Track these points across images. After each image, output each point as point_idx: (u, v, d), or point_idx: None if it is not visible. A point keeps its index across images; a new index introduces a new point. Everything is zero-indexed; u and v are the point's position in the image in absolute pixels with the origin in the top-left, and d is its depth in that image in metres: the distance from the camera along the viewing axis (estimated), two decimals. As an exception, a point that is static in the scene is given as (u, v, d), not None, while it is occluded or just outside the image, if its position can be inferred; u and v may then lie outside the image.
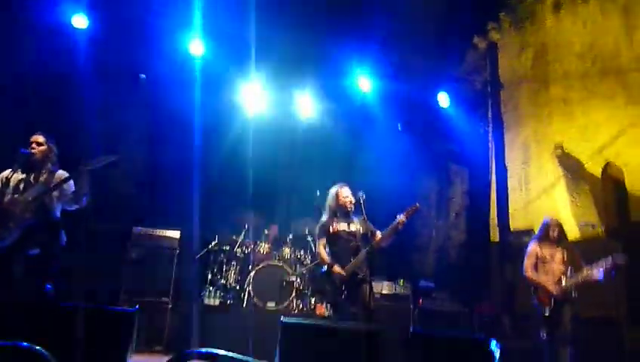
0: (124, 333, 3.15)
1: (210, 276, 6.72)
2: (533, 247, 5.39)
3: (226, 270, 6.74)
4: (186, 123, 7.35)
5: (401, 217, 4.62)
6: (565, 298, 5.06)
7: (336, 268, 4.60)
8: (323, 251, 4.79)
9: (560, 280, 5.12)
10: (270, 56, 8.12)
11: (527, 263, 5.34)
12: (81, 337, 2.92)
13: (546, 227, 5.42)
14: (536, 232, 5.64)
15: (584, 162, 8.54)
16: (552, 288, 5.09)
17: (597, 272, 4.93)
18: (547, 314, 5.09)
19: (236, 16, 7.78)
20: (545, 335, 5.11)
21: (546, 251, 5.28)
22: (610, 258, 4.90)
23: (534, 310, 5.33)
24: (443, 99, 8.57)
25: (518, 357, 5.85)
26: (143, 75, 7.71)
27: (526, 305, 7.99)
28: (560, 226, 5.46)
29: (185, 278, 6.42)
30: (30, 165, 4.09)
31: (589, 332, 5.55)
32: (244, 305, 6.41)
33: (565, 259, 5.22)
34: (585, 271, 5.00)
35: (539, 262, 5.28)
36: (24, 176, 4.07)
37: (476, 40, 9.93)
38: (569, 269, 5.15)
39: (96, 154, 4.00)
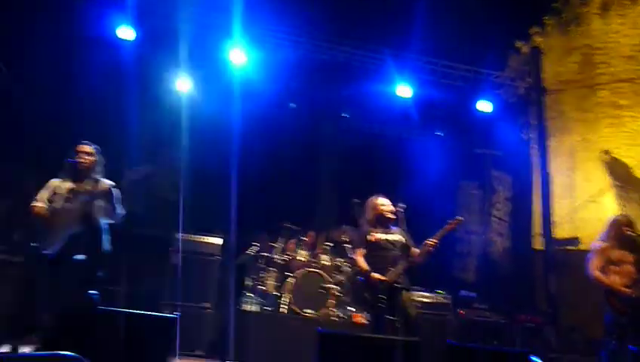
0: (165, 340, 3.22)
1: (249, 282, 6.78)
2: (602, 246, 4.81)
3: (264, 276, 6.79)
4: (226, 131, 7.47)
5: (430, 241, 4.54)
6: None
7: (376, 275, 4.57)
8: (361, 259, 4.77)
9: (637, 283, 4.57)
10: (309, 64, 8.21)
11: (595, 263, 4.74)
12: (123, 343, 3.00)
13: (616, 225, 4.85)
14: (603, 231, 4.96)
15: (633, 169, 8.24)
16: (627, 292, 4.53)
17: None
18: (622, 322, 4.50)
19: (278, 29, 7.90)
20: (615, 344, 4.50)
21: (617, 251, 4.73)
22: None
23: (600, 318, 4.75)
24: (485, 105, 8.42)
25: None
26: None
27: (571, 317, 7.79)
28: (634, 225, 4.86)
29: (225, 284, 6.50)
30: (77, 174, 4.24)
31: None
32: (283, 312, 6.43)
33: (637, 261, 4.67)
34: None
35: (607, 264, 4.71)
36: (71, 185, 4.22)
37: (519, 44, 9.72)
38: None
39: (136, 163, 4.11)
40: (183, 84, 7.86)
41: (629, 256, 4.72)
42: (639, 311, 4.52)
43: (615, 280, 4.64)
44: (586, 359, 5.74)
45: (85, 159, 4.29)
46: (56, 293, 3.85)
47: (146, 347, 3.16)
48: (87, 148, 4.35)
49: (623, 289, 4.57)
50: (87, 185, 4.22)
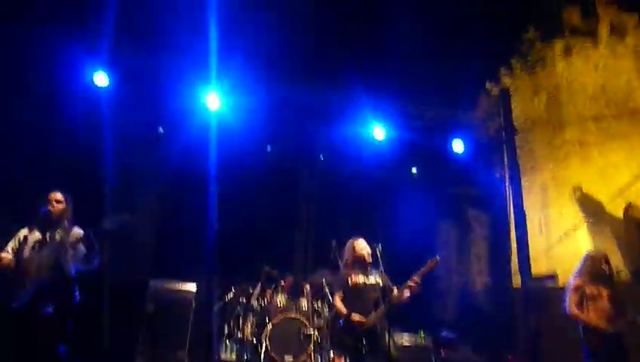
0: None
1: (226, 329, 6.63)
2: (577, 282, 4.82)
3: (242, 323, 6.64)
4: (201, 174, 7.44)
5: (412, 280, 4.51)
6: (618, 339, 4.54)
7: (356, 317, 4.50)
8: (340, 303, 4.71)
9: (612, 318, 4.58)
10: (284, 107, 8.29)
11: (572, 299, 4.74)
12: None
13: (591, 261, 4.88)
14: (578, 267, 4.98)
15: (605, 204, 8.41)
16: (606, 326, 4.53)
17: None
18: (599, 357, 4.51)
19: (252, 72, 8.00)
20: None
21: (592, 287, 4.73)
22: None
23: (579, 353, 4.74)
24: (457, 145, 8.57)
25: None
26: (161, 130, 7.89)
27: (553, 353, 7.75)
28: (608, 260, 4.91)
29: (201, 332, 6.34)
30: (47, 223, 4.14)
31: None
32: (262, 360, 6.27)
33: (612, 297, 4.71)
34: (630, 312, 4.54)
35: (583, 300, 4.72)
36: (40, 234, 4.12)
37: (489, 86, 10.02)
38: (618, 308, 4.63)
39: (111, 210, 4.05)
40: (160, 129, 7.87)
41: (603, 291, 4.76)
42: (615, 346, 4.55)
43: (591, 316, 4.66)
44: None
45: (56, 207, 4.21)
46: (24, 348, 3.69)
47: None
48: (58, 196, 4.27)
49: (599, 324, 4.59)
50: (58, 235, 4.12)
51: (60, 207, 4.23)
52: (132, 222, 3.97)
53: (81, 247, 4.08)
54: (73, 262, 4.14)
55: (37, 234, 4.12)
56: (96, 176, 6.86)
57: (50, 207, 4.19)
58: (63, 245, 4.01)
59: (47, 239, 4.08)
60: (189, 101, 7.73)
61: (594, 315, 4.66)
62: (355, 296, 4.68)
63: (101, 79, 7.15)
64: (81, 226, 4.22)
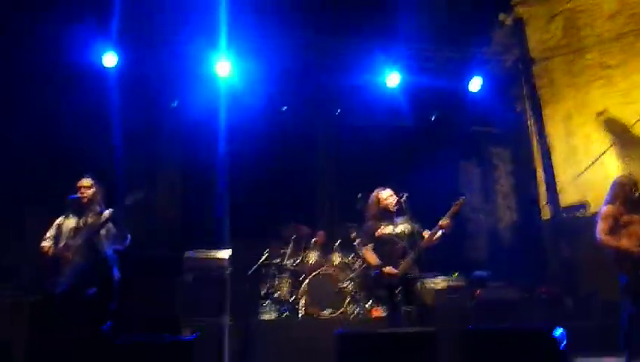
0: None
1: (263, 291, 6.80)
2: (608, 209, 4.71)
3: (278, 283, 6.80)
4: (219, 142, 7.48)
5: (442, 222, 4.53)
6: None
7: (388, 269, 4.56)
8: (370, 255, 4.77)
9: None
10: (296, 63, 8.20)
11: (603, 226, 4.63)
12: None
13: (621, 187, 4.75)
14: (607, 194, 4.86)
15: (631, 125, 8.21)
16: (638, 251, 4.43)
17: None
18: (636, 282, 4.41)
19: (264, 34, 7.89)
20: (631, 307, 4.43)
21: (624, 213, 4.63)
22: None
23: (615, 281, 4.67)
24: (474, 84, 8.39)
25: (585, 339, 5.64)
26: (175, 103, 7.93)
27: (588, 282, 7.77)
28: (638, 185, 4.76)
29: (240, 296, 6.52)
30: (79, 209, 4.26)
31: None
32: (300, 316, 6.45)
33: None
34: None
35: (615, 227, 4.60)
36: (75, 220, 4.25)
37: (502, 17, 9.68)
38: None
39: (135, 186, 4.13)
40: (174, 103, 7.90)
41: (635, 217, 4.66)
42: None
43: (623, 242, 4.59)
44: (607, 323, 5.71)
45: (86, 193, 4.32)
46: (70, 331, 3.87)
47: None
48: (86, 181, 4.38)
49: (634, 249, 4.51)
50: (90, 219, 4.24)
51: (89, 192, 4.34)
52: (152, 197, 4.05)
53: (112, 227, 4.19)
54: (107, 243, 4.27)
55: (71, 221, 4.25)
56: (115, 157, 6.94)
57: (79, 194, 4.30)
58: (96, 228, 4.13)
59: (82, 224, 4.20)
60: (199, 66, 7.68)
61: (626, 241, 4.57)
62: (384, 246, 4.74)
63: (110, 60, 7.13)
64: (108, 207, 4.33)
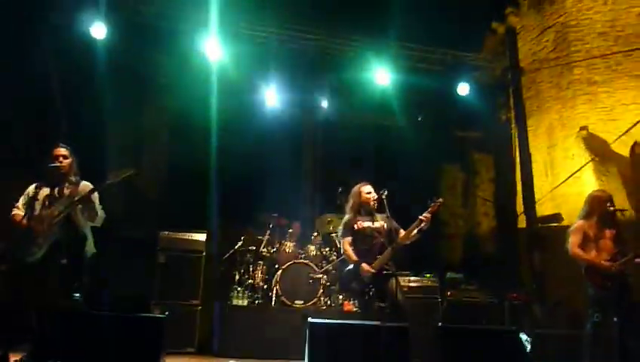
0: (154, 339, 3.20)
1: (237, 277, 6.78)
2: (580, 224, 4.81)
3: (252, 270, 6.79)
4: (205, 126, 7.42)
5: (424, 216, 4.56)
6: (621, 277, 4.59)
7: (365, 267, 4.58)
8: (349, 249, 4.78)
9: (615, 257, 4.61)
10: (286, 55, 8.16)
11: (574, 240, 4.76)
12: (113, 345, 2.98)
13: (598, 201, 4.85)
14: (582, 208, 4.96)
15: (611, 143, 8.37)
16: (606, 266, 4.58)
17: None
18: (604, 296, 4.57)
19: (251, 16, 7.82)
20: (599, 318, 4.56)
21: (596, 227, 4.75)
22: None
23: (584, 292, 4.78)
24: (463, 88, 8.45)
25: (552, 345, 5.76)
26: (162, 80, 7.82)
27: (557, 292, 7.92)
28: (612, 200, 4.88)
29: (213, 280, 6.49)
30: (55, 179, 4.16)
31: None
32: (273, 304, 6.45)
33: (616, 236, 4.72)
34: (632, 254, 4.53)
35: (587, 241, 4.73)
36: (49, 190, 4.15)
37: (495, 25, 9.79)
38: (621, 248, 4.65)
39: (118, 164, 4.06)
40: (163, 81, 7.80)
41: (607, 232, 4.78)
42: (619, 284, 4.62)
43: (594, 255, 4.71)
44: (571, 332, 5.84)
45: (65, 162, 4.22)
46: (42, 298, 3.81)
47: (136, 348, 3.14)
48: (64, 150, 4.27)
49: (602, 263, 4.63)
50: (67, 189, 4.15)
51: (67, 161, 4.24)
52: (136, 176, 3.98)
53: (90, 200, 4.11)
54: (83, 216, 4.19)
55: (46, 190, 4.14)
56: (101, 131, 6.84)
57: (57, 163, 4.19)
58: (73, 199, 4.05)
59: (57, 194, 4.11)
60: (188, 51, 7.60)
61: (597, 255, 4.70)
62: (362, 240, 4.75)
63: (98, 31, 7.00)
64: (88, 180, 4.25)
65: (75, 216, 4.11)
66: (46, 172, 4.17)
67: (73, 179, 4.22)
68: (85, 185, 4.19)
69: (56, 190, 4.13)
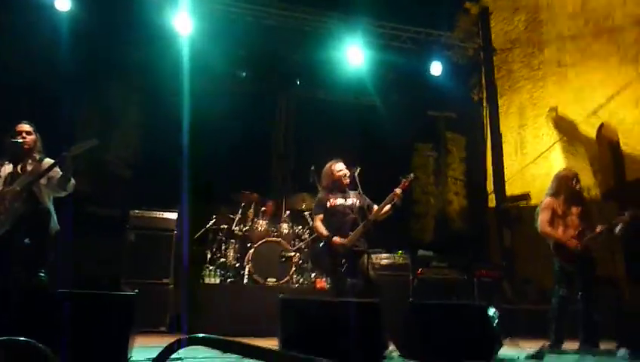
0: (124, 318, 3.14)
1: (209, 255, 6.74)
2: (548, 201, 4.94)
3: (224, 248, 6.75)
4: (176, 103, 7.28)
5: (396, 191, 4.58)
6: (586, 253, 4.72)
7: (337, 239, 4.58)
8: (320, 225, 4.77)
9: (581, 234, 4.74)
10: (260, 32, 8.04)
11: (543, 218, 4.88)
12: (80, 324, 2.92)
13: (565, 180, 4.98)
14: (550, 186, 5.10)
15: (579, 124, 8.52)
16: (574, 242, 4.71)
17: (616, 228, 4.67)
18: (569, 270, 4.71)
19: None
20: (565, 292, 4.71)
21: (563, 205, 4.87)
22: (627, 213, 4.70)
23: (552, 268, 4.94)
24: (436, 68, 8.46)
25: (521, 321, 5.91)
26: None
27: (525, 269, 8.12)
28: (578, 179, 5.03)
29: (184, 259, 6.43)
30: (18, 155, 4.04)
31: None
32: (245, 283, 6.44)
33: (582, 213, 4.85)
34: (599, 228, 4.69)
35: (555, 217, 4.86)
36: (11, 166, 4.02)
37: (468, 4, 9.80)
38: (587, 224, 4.78)
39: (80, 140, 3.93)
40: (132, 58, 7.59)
41: (574, 209, 4.91)
42: (584, 259, 4.75)
43: (561, 232, 4.84)
44: (539, 308, 6.00)
45: (28, 138, 4.09)
46: (5, 277, 3.71)
47: (105, 327, 3.09)
48: (27, 127, 4.13)
49: (570, 241, 4.77)
50: (30, 166, 4.03)
51: (31, 138, 4.11)
52: (105, 154, 3.88)
53: (55, 174, 4.00)
54: (48, 191, 4.08)
55: (8, 167, 4.01)
56: (67, 109, 6.63)
57: (20, 139, 4.06)
58: (36, 175, 3.93)
59: (19, 171, 3.99)
60: (159, 26, 7.43)
61: (564, 231, 4.83)
62: (334, 217, 4.74)
63: (62, 3, 6.75)
64: (50, 156, 4.13)
65: (40, 193, 4.00)
66: (7, 147, 4.03)
67: (37, 156, 4.10)
68: (48, 161, 4.07)
69: (19, 166, 4.00)
